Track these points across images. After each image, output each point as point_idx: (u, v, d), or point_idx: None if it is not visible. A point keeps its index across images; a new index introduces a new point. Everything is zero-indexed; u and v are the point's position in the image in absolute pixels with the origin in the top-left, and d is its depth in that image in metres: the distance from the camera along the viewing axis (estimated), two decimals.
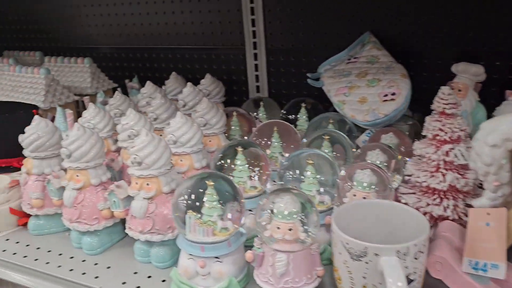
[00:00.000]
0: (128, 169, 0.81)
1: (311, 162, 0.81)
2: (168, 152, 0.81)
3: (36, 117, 0.94)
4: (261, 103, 1.29)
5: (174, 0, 1.42)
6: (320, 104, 1.20)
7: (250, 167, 0.87)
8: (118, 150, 1.06)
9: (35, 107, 1.17)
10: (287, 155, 1.01)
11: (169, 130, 0.91)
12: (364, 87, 1.00)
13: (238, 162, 0.87)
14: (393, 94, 0.94)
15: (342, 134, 0.94)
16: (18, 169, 1.10)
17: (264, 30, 1.31)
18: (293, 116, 1.23)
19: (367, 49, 1.10)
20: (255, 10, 1.29)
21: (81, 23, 1.63)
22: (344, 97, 1.02)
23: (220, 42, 1.40)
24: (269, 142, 1.03)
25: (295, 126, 1.19)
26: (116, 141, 1.09)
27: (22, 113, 1.11)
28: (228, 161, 0.88)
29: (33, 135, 0.92)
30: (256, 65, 1.36)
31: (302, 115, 1.20)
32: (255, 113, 1.28)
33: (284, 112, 1.25)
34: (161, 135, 1.08)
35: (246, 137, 1.18)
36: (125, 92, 1.44)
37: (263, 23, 1.30)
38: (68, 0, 1.63)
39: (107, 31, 1.59)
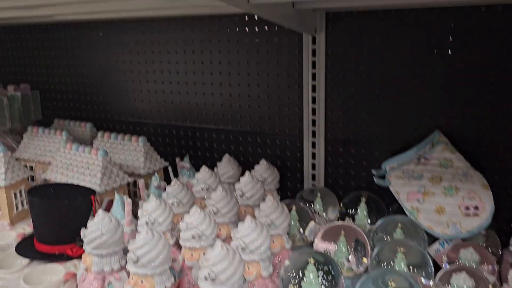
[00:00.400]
0: (199, 281, 0.77)
1: (393, 285, 0.75)
2: (242, 267, 0.77)
3: (100, 212, 0.91)
4: (318, 194, 1.25)
5: (232, 84, 1.41)
6: (381, 199, 1.16)
7: (322, 281, 0.82)
8: (177, 244, 1.02)
9: (92, 191, 1.15)
10: (351, 257, 0.97)
11: (238, 235, 0.87)
12: (440, 195, 0.96)
13: (310, 276, 0.82)
14: (476, 208, 0.89)
15: (421, 248, 0.88)
16: (72, 257, 1.07)
17: (325, 119, 1.28)
18: (353, 210, 1.18)
19: (439, 150, 1.06)
20: (316, 100, 1.27)
21: (134, 97, 1.64)
22: (417, 203, 0.97)
23: (277, 127, 1.38)
24: (336, 247, 0.98)
25: (353, 220, 1.15)
26: (172, 230, 1.05)
27: (81, 199, 1.09)
28: (300, 272, 0.84)
29: (96, 231, 0.89)
30: (313, 154, 1.33)
31: (362, 210, 1.15)
32: (311, 203, 1.24)
33: (343, 205, 1.21)
34: (219, 229, 1.07)
35: (303, 231, 1.13)
36: (174, 170, 1.43)
37: (324, 112, 1.28)
38: (120, 75, 1.64)
39: (159, 107, 1.59)
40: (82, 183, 1.22)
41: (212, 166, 1.32)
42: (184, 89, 1.52)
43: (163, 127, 1.60)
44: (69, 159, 1.32)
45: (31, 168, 1.56)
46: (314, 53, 1.24)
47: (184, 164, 1.44)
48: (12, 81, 1.88)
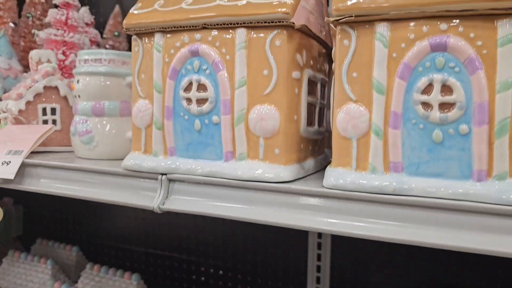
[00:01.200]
0: None
1: None
2: None
3: None
4: None
5: (233, 221, 1.37)
6: None
7: None
8: None
9: None
10: None
11: None
12: None
13: None
14: None
15: None
16: None
17: (331, 266, 1.24)
18: None
19: None
20: (322, 246, 1.24)
21: (127, 223, 1.58)
22: None
23: (279, 270, 1.32)
24: None
25: None
26: None
27: None
28: None
29: None
30: None
31: None
32: None
33: None
34: None
35: None
36: None
37: (330, 259, 1.24)
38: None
39: (153, 236, 1.52)
40: None
41: None
42: (182, 221, 1.47)
43: (156, 257, 1.53)
44: None
45: None
46: None
47: None
48: None
